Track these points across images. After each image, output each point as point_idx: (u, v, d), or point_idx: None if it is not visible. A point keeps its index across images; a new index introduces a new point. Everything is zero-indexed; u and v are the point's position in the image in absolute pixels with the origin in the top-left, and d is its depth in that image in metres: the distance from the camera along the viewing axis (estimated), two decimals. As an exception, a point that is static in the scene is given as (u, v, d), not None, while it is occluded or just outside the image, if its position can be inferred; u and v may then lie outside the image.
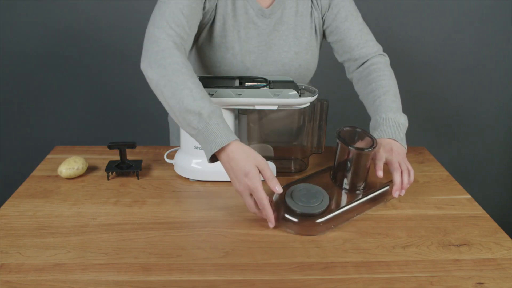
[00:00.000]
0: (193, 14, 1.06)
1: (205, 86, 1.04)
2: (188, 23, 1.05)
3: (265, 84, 1.09)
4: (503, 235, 0.96)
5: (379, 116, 1.11)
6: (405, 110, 1.15)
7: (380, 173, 1.02)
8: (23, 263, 0.84)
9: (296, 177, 1.18)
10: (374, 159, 1.05)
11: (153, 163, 1.24)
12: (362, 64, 1.24)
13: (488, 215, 1.03)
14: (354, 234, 0.95)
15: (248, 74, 1.21)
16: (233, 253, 0.88)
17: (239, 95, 1.06)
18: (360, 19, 1.24)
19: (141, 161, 1.19)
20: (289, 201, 0.95)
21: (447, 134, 2.15)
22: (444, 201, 1.09)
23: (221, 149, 0.91)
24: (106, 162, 1.21)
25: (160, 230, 0.95)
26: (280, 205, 0.96)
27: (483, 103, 2.11)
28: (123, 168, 1.16)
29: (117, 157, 1.25)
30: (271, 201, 0.95)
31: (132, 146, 1.15)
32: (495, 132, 2.16)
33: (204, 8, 1.13)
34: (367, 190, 1.04)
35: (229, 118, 1.11)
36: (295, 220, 0.93)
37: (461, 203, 1.08)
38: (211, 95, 1.05)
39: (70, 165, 1.13)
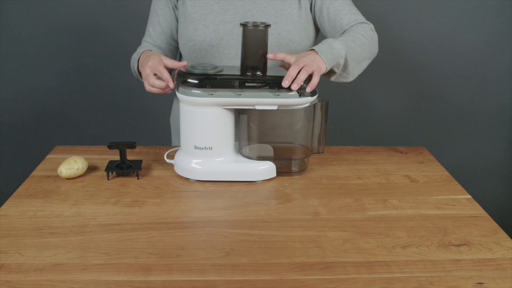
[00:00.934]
0: (168, 20, 1.30)
1: (205, 86, 1.05)
2: (164, 30, 1.31)
3: (265, 84, 1.09)
4: (503, 235, 0.96)
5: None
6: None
7: (270, 55, 1.07)
8: (23, 263, 0.84)
9: (296, 177, 1.18)
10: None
11: (153, 163, 1.24)
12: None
13: (488, 215, 1.03)
14: (354, 234, 0.95)
15: (223, 44, 1.23)
16: (233, 253, 0.88)
17: (239, 95, 1.06)
18: (349, 1, 1.28)
19: (141, 161, 1.19)
20: (187, 69, 1.08)
21: (447, 134, 2.15)
22: (444, 201, 1.09)
23: (139, 63, 1.21)
24: (106, 162, 1.21)
25: (160, 230, 0.95)
26: (180, 74, 1.08)
27: (483, 103, 2.11)
28: (123, 168, 1.16)
29: (117, 157, 1.25)
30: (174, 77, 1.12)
31: (132, 146, 1.15)
32: (495, 132, 2.16)
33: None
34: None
35: (229, 118, 1.11)
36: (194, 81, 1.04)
37: (461, 203, 1.08)
38: (211, 95, 1.05)
39: (70, 165, 1.13)
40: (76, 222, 0.97)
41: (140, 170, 1.16)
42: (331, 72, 1.18)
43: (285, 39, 1.23)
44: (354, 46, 1.16)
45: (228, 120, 1.11)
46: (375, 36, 1.25)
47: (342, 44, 1.14)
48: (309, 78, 1.06)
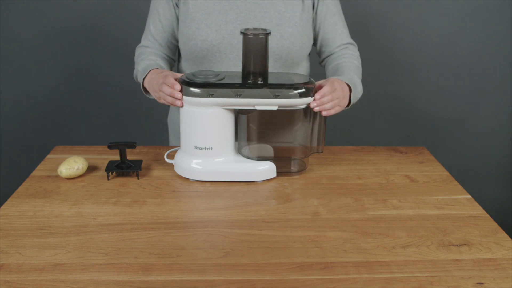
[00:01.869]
0: (168, 18, 1.29)
1: (205, 86, 1.05)
2: (165, 28, 1.30)
3: (265, 84, 1.09)
4: (503, 235, 0.96)
5: (339, 74, 1.23)
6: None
7: (313, 105, 1.10)
8: (23, 263, 0.84)
9: (296, 177, 1.18)
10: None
11: (153, 163, 1.24)
12: (334, 53, 1.33)
13: (488, 215, 1.03)
14: (354, 234, 0.95)
15: (224, 43, 1.23)
16: (233, 253, 0.88)
17: (239, 95, 1.06)
18: (342, 16, 1.35)
19: (141, 161, 1.19)
20: (189, 77, 1.08)
21: (447, 134, 2.15)
22: (444, 201, 1.09)
23: (144, 80, 1.22)
24: (106, 162, 1.21)
25: (160, 230, 0.95)
26: (183, 83, 1.07)
27: (483, 103, 2.10)
28: (123, 168, 1.16)
29: (117, 157, 1.25)
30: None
31: (132, 146, 1.15)
32: (495, 132, 2.16)
33: None
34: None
35: (229, 118, 1.11)
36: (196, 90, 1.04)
37: (461, 203, 1.08)
38: (211, 95, 1.05)
39: (70, 165, 1.13)
40: (76, 222, 0.97)
41: (140, 170, 1.16)
42: None
43: (287, 41, 1.23)
44: (360, 87, 1.24)
45: (228, 120, 1.11)
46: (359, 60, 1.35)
47: (361, 87, 1.23)
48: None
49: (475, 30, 1.98)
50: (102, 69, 1.98)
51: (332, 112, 1.11)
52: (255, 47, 1.06)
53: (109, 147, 1.15)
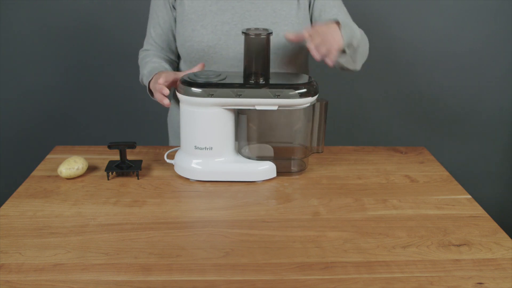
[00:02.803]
0: (167, 21, 1.30)
1: (206, 86, 1.05)
2: (165, 31, 1.31)
3: (265, 84, 1.09)
4: (503, 235, 0.96)
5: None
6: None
7: (290, 36, 1.11)
8: (23, 263, 0.84)
9: (296, 177, 1.18)
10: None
11: (153, 163, 1.24)
12: None
13: (488, 215, 1.03)
14: (354, 234, 0.95)
15: (220, 44, 1.22)
16: (233, 253, 0.88)
17: (239, 95, 1.06)
18: (345, 11, 1.30)
19: (141, 161, 1.19)
20: (191, 77, 1.08)
21: (447, 134, 2.15)
22: (444, 201, 1.09)
23: (149, 83, 1.22)
24: (106, 162, 1.21)
25: (160, 230, 0.95)
26: (184, 82, 1.08)
27: (483, 103, 2.10)
28: (123, 168, 1.16)
29: (117, 157, 1.25)
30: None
31: (132, 146, 1.15)
32: (495, 132, 2.15)
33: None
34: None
35: (229, 118, 1.11)
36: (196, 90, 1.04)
37: (461, 203, 1.08)
38: (212, 95, 1.05)
39: (70, 165, 1.13)
40: (76, 222, 0.97)
41: (140, 170, 1.16)
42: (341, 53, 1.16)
43: (283, 39, 1.23)
44: (360, 33, 1.18)
45: (228, 120, 1.11)
46: (367, 40, 1.28)
47: (359, 30, 1.16)
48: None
49: (475, 29, 1.98)
50: (102, 69, 1.98)
51: (333, 54, 1.05)
52: (257, 47, 1.06)
53: (109, 147, 1.15)
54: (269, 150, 1.21)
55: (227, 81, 1.08)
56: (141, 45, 1.40)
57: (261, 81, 1.08)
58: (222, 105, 1.08)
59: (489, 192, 2.24)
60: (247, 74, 1.09)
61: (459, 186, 1.16)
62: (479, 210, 1.05)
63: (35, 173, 1.18)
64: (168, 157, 1.22)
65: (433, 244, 0.92)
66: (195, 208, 1.04)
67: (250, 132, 1.18)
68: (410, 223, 0.99)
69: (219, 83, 1.07)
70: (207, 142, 1.11)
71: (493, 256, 0.89)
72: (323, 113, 1.16)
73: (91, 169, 1.20)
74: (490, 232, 0.97)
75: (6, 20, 1.88)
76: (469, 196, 1.11)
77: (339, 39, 1.08)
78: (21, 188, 1.10)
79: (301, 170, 1.21)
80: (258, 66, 1.07)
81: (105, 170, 1.15)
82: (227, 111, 1.10)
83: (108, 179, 1.15)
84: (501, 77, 2.07)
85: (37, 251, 0.87)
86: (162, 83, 1.11)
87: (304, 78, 1.12)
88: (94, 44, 1.94)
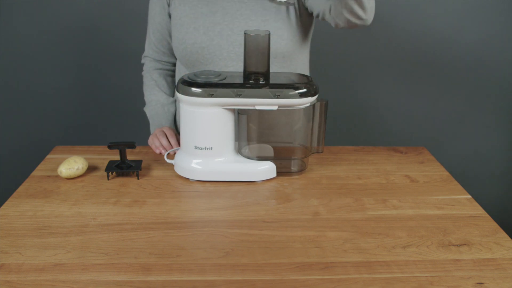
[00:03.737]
0: (164, 27, 1.33)
1: (205, 86, 1.06)
2: (164, 36, 1.34)
3: (265, 84, 1.09)
4: (503, 235, 0.96)
5: None
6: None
7: None
8: (23, 263, 0.84)
9: (296, 177, 1.18)
10: None
11: (153, 163, 1.24)
12: None
13: (488, 215, 1.03)
14: (354, 234, 0.95)
15: (213, 45, 1.23)
16: (233, 253, 0.88)
17: (239, 95, 1.06)
18: None
19: (141, 161, 1.19)
20: (191, 77, 1.09)
21: (447, 134, 2.15)
22: (444, 201, 1.09)
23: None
24: (106, 162, 1.21)
25: (160, 230, 0.95)
26: (184, 83, 1.09)
27: (483, 103, 2.11)
28: (123, 168, 1.16)
29: (117, 157, 1.25)
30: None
31: (132, 146, 1.15)
32: (495, 132, 2.16)
33: (169, 5, 1.30)
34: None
35: (229, 118, 1.11)
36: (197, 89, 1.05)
37: (461, 203, 1.08)
38: (211, 95, 1.05)
39: (70, 165, 1.13)
40: (76, 222, 0.97)
41: (140, 170, 1.16)
42: None
43: (275, 35, 1.22)
44: None
45: (228, 120, 1.11)
46: None
47: None
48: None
49: (475, 30, 1.98)
50: (102, 69, 1.98)
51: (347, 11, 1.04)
52: (257, 47, 1.06)
53: (109, 147, 1.15)
54: (269, 150, 1.21)
55: (227, 81, 1.08)
56: (141, 46, 1.40)
57: (261, 81, 1.08)
58: (222, 105, 1.08)
59: (489, 192, 2.24)
60: (247, 74, 1.09)
61: (459, 186, 1.16)
62: (479, 210, 1.05)
63: (35, 173, 1.18)
64: (168, 157, 1.22)
65: (433, 244, 0.92)
66: (195, 208, 1.04)
67: (250, 132, 1.18)
68: (410, 223, 0.99)
69: (219, 83, 1.07)
70: (207, 142, 1.11)
71: (493, 256, 0.89)
72: (323, 113, 1.16)
73: (91, 169, 1.20)
74: (490, 232, 0.97)
75: (6, 20, 1.88)
76: (469, 196, 1.11)
77: None
78: (21, 188, 1.10)
79: (301, 170, 1.21)
80: (259, 66, 1.07)
81: (105, 170, 1.15)
82: (227, 111, 1.10)
83: (108, 179, 1.15)
84: (501, 77, 2.07)
85: (37, 251, 0.87)
86: (165, 146, 1.28)
87: (304, 78, 1.12)
88: (94, 44, 1.94)
